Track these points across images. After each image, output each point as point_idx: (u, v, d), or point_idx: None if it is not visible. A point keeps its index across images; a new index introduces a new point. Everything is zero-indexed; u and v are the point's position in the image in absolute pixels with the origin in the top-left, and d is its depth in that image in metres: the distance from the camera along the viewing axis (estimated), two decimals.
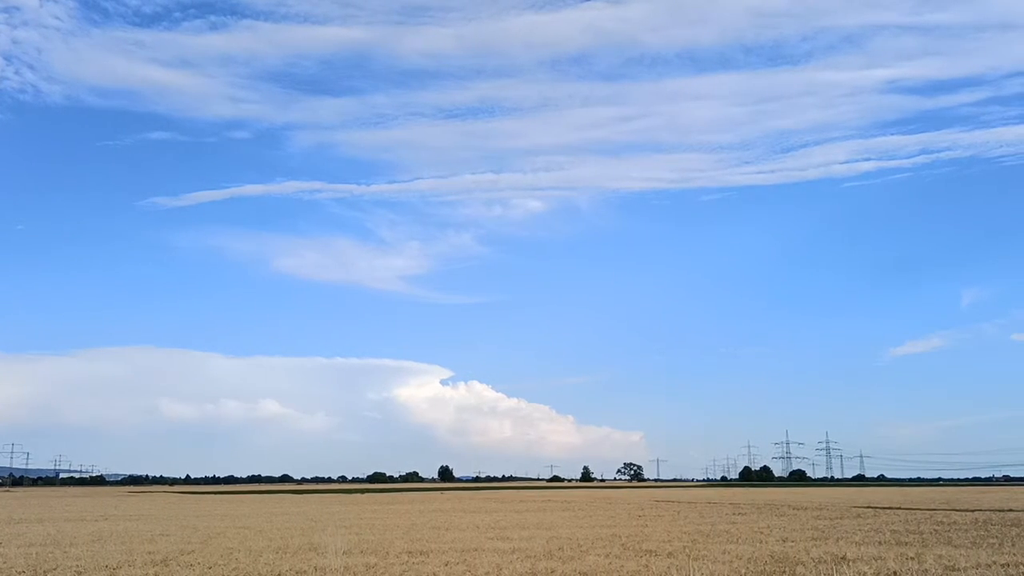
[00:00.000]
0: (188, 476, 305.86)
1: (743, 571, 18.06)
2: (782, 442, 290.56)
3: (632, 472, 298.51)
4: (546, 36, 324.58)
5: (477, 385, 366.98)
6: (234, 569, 19.20)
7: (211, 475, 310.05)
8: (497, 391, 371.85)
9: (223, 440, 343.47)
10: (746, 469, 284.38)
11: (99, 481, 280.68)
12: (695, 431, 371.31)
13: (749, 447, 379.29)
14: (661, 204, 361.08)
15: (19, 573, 18.93)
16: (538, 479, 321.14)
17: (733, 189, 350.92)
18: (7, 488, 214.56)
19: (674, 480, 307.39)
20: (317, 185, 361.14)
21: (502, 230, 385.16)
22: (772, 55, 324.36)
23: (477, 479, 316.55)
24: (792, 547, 23.51)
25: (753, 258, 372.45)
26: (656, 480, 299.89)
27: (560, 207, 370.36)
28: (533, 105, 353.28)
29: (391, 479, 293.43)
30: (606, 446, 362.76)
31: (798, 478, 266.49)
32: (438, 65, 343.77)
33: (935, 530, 30.66)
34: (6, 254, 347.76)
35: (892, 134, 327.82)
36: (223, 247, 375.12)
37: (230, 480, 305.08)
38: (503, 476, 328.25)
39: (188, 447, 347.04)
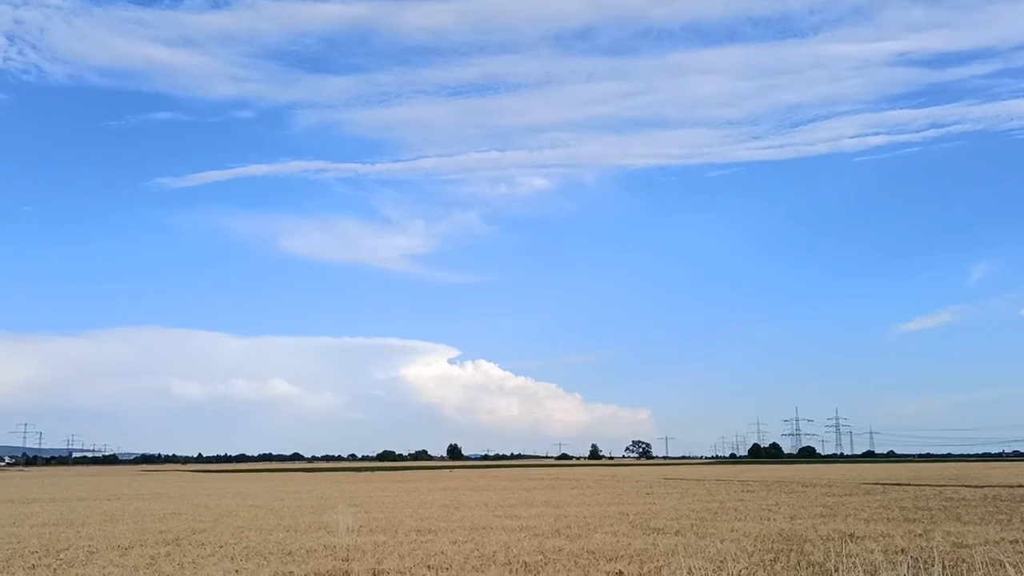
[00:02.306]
0: (200, 455, 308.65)
1: (751, 549, 18.10)
2: (791, 419, 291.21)
3: (640, 450, 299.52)
4: (549, 10, 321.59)
5: (484, 364, 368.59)
6: (245, 548, 19.35)
7: (223, 454, 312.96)
8: (504, 370, 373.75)
9: (234, 419, 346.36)
10: (755, 446, 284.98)
11: (112, 460, 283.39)
12: (703, 408, 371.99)
13: (758, 424, 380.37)
14: (667, 180, 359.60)
15: (32, 552, 19.12)
16: (546, 457, 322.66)
17: (740, 165, 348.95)
18: (20, 468, 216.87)
19: (683, 458, 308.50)
20: (321, 165, 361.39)
21: (507, 208, 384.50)
22: (780, 28, 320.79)
23: (486, 457, 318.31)
24: (800, 524, 23.57)
25: (761, 234, 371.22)
26: (664, 458, 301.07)
27: (565, 184, 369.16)
28: (537, 81, 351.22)
29: (400, 457, 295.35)
30: (614, 424, 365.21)
31: (807, 455, 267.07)
32: (440, 41, 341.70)
33: (944, 506, 30.68)
34: (14, 235, 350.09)
35: (902, 108, 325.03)
36: (229, 227, 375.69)
37: (241, 459, 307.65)
38: (511, 454, 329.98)
39: (199, 426, 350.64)
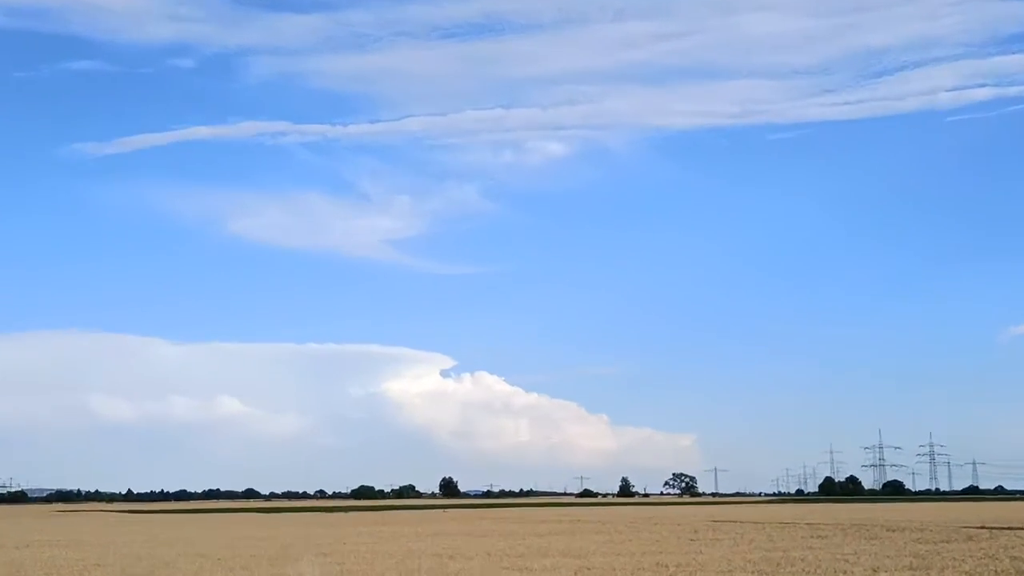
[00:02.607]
0: (130, 491, 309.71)
1: None
2: (874, 446, 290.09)
3: (683, 485, 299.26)
4: None
5: (486, 376, 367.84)
6: None
7: (158, 489, 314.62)
8: (511, 384, 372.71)
9: (172, 446, 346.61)
10: (828, 480, 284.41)
11: (19, 498, 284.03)
12: (763, 433, 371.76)
13: (832, 453, 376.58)
14: (717, 145, 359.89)
15: None
16: (564, 494, 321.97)
17: (809, 125, 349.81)
18: None
19: (736, 495, 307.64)
20: (281, 126, 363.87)
21: (515, 181, 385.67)
22: None
23: (488, 494, 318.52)
24: None
25: (834, 212, 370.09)
26: (713, 495, 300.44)
27: (588, 151, 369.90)
28: (552, 20, 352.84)
29: (381, 494, 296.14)
30: (649, 452, 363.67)
31: (894, 491, 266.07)
32: None
33: None
34: None
35: (1013, 52, 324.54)
36: (165, 206, 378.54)
37: (182, 496, 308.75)
38: (520, 490, 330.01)
39: (129, 455, 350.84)
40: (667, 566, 27.84)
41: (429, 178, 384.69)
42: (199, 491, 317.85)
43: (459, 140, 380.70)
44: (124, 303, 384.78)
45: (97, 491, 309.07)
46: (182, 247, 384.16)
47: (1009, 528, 50.67)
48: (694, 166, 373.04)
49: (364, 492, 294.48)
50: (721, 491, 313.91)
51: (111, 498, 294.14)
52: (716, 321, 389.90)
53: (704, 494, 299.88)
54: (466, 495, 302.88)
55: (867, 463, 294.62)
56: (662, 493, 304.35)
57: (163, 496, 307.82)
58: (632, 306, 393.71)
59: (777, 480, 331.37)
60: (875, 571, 26.02)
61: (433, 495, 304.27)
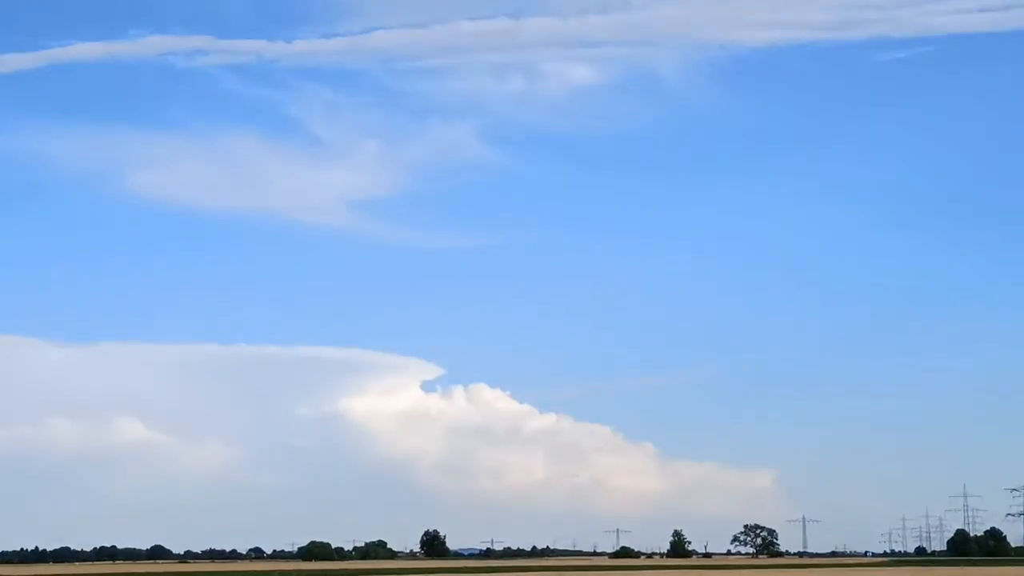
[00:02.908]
0: None
1: None
2: (1022, 487, 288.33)
3: (759, 541, 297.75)
4: None
5: (485, 391, 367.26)
6: None
7: (31, 547, 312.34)
8: (520, 401, 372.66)
9: (51, 487, 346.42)
10: (960, 535, 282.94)
11: None
12: (870, 469, 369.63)
13: (966, 498, 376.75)
14: (803, 69, 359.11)
15: None
16: (594, 553, 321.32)
17: (933, 40, 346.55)
18: None
19: (832, 555, 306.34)
20: (198, 42, 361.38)
21: (524, 119, 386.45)
22: None
23: (488, 554, 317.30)
24: None
25: (965, 162, 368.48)
26: (801, 555, 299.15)
27: (625, 77, 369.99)
28: None
29: (340, 554, 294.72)
30: (712, 495, 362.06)
31: None
32: None
33: None
34: None
35: None
36: (38, 153, 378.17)
37: (64, 556, 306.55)
38: (533, 549, 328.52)
39: None
40: None
41: (406, 115, 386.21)
42: (87, 549, 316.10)
43: (448, 62, 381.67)
44: None
45: None
46: (63, 211, 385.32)
47: None
48: (771, 97, 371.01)
49: (317, 551, 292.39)
50: (811, 549, 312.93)
51: None
52: (803, 317, 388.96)
53: (788, 553, 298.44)
54: (457, 555, 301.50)
55: (1015, 511, 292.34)
56: (729, 552, 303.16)
57: (37, 556, 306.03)
58: (688, 296, 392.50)
59: (890, 535, 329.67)
60: None
61: (412, 555, 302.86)
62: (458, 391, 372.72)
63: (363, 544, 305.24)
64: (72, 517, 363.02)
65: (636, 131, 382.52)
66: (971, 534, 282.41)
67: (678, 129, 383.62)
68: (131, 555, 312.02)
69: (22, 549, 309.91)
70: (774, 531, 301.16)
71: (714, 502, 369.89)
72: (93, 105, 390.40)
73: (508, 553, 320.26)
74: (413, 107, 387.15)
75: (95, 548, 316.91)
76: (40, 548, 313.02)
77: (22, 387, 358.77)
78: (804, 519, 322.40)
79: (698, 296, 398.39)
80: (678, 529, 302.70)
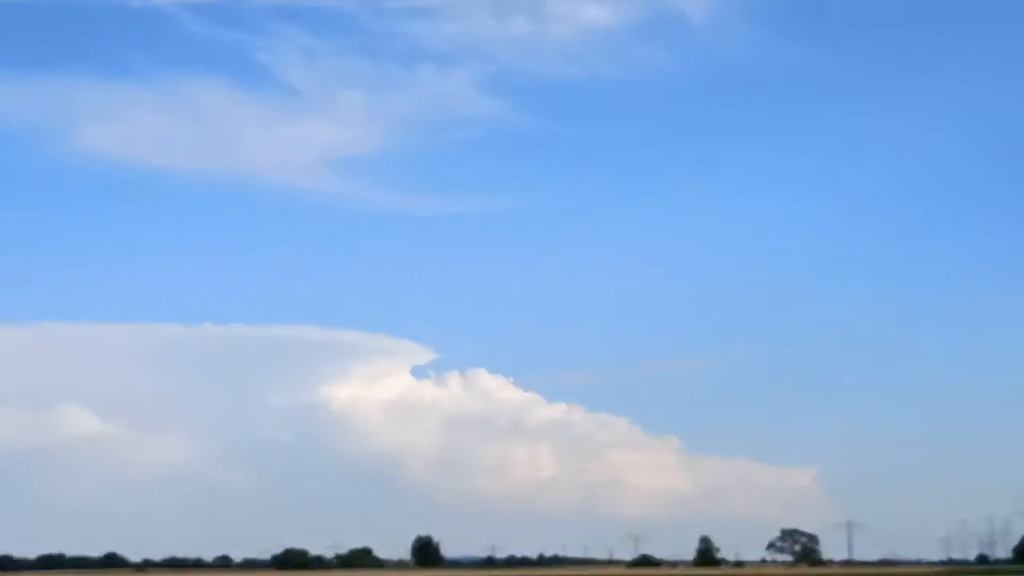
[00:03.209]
0: None
1: None
2: None
3: (797, 548, 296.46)
4: None
5: (485, 377, 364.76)
6: None
7: None
8: (525, 388, 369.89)
9: None
10: None
11: None
12: (922, 468, 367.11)
13: None
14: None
15: None
16: (610, 562, 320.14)
17: None
18: None
19: (882, 563, 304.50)
20: None
21: (529, 65, 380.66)
22: None
23: (489, 563, 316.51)
24: None
25: None
26: (846, 562, 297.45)
27: (645, 16, 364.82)
28: None
29: (319, 563, 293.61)
30: (744, 496, 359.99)
31: None
32: None
33: None
34: None
35: None
36: None
37: (2, 564, 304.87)
38: (540, 557, 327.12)
39: None
40: None
41: (393, 62, 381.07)
42: (31, 558, 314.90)
43: (442, 0, 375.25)
44: None
45: None
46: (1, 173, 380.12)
47: None
48: (818, 39, 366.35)
49: (293, 559, 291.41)
50: (858, 557, 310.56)
51: None
52: (854, 296, 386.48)
53: (831, 562, 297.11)
54: (455, 565, 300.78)
55: None
56: (764, 561, 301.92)
57: None
58: (719, 269, 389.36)
59: (948, 540, 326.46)
60: None
61: (402, 564, 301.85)
62: (454, 377, 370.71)
63: (346, 552, 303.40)
64: (11, 521, 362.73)
65: (658, 79, 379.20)
66: None
67: (706, 76, 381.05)
68: (81, 564, 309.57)
69: None
70: (815, 537, 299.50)
71: (747, 504, 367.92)
72: (33, 50, 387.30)
73: (512, 562, 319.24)
74: (402, 52, 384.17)
75: (40, 556, 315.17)
76: None
77: None
78: (850, 523, 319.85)
79: (730, 270, 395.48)
80: (706, 535, 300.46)
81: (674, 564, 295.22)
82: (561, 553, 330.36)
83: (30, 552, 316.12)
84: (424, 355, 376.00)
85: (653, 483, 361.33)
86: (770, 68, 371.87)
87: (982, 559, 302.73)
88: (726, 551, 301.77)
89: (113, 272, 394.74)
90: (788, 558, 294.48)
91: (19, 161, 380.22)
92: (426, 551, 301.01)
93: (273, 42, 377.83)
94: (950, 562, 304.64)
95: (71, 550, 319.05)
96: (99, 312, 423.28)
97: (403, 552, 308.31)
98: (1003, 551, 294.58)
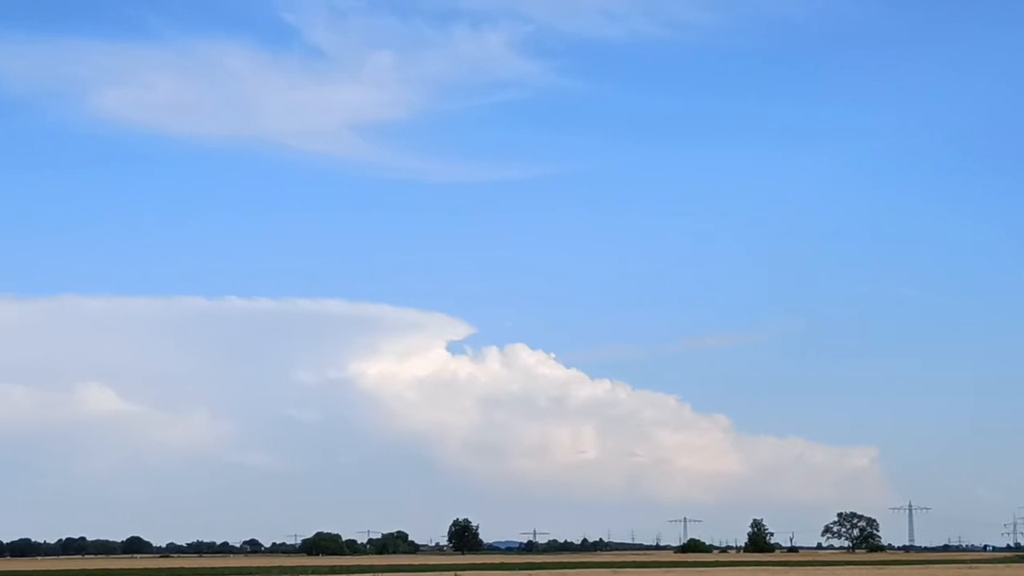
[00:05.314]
0: None
1: None
2: None
3: (855, 533, 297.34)
4: None
5: (524, 352, 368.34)
6: None
7: None
8: (567, 364, 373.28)
9: (4, 467, 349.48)
10: None
11: None
12: (987, 450, 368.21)
13: None
14: None
15: None
16: (656, 547, 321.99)
17: None
18: None
19: (944, 548, 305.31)
20: None
21: (567, 25, 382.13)
22: None
23: (529, 547, 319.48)
24: None
25: None
26: (906, 548, 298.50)
27: None
28: None
29: (352, 548, 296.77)
30: (799, 478, 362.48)
31: None
32: None
33: None
34: None
35: None
36: None
37: (25, 549, 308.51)
38: (584, 541, 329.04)
39: None
40: None
41: (424, 21, 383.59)
42: (51, 541, 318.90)
43: None
44: None
45: None
46: (14, 137, 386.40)
47: None
48: None
49: (324, 545, 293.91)
50: (919, 543, 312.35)
51: None
52: (915, 269, 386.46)
53: (890, 547, 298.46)
54: (493, 550, 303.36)
55: None
56: (820, 546, 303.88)
57: None
58: (771, 238, 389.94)
59: (1014, 526, 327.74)
60: None
61: (439, 549, 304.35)
62: (492, 353, 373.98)
63: (379, 536, 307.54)
64: (32, 504, 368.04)
65: (701, 39, 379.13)
66: None
67: (750, 36, 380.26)
68: (103, 548, 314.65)
69: None
70: (874, 521, 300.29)
71: (801, 486, 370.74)
72: (49, 11, 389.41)
73: (553, 547, 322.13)
74: (433, 11, 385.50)
75: (60, 540, 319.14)
76: None
77: None
78: (910, 506, 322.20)
79: (782, 239, 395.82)
80: (758, 518, 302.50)
81: (724, 549, 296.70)
82: (605, 538, 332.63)
83: (49, 536, 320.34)
84: (460, 329, 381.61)
85: (702, 464, 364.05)
86: (818, 22, 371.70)
87: None
88: (779, 536, 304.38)
89: (132, 243, 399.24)
90: (845, 543, 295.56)
91: (34, 127, 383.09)
92: (464, 536, 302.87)
93: (299, 2, 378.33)
94: (1016, 549, 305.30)
95: (93, 534, 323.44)
96: (118, 285, 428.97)
97: (440, 537, 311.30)
98: None
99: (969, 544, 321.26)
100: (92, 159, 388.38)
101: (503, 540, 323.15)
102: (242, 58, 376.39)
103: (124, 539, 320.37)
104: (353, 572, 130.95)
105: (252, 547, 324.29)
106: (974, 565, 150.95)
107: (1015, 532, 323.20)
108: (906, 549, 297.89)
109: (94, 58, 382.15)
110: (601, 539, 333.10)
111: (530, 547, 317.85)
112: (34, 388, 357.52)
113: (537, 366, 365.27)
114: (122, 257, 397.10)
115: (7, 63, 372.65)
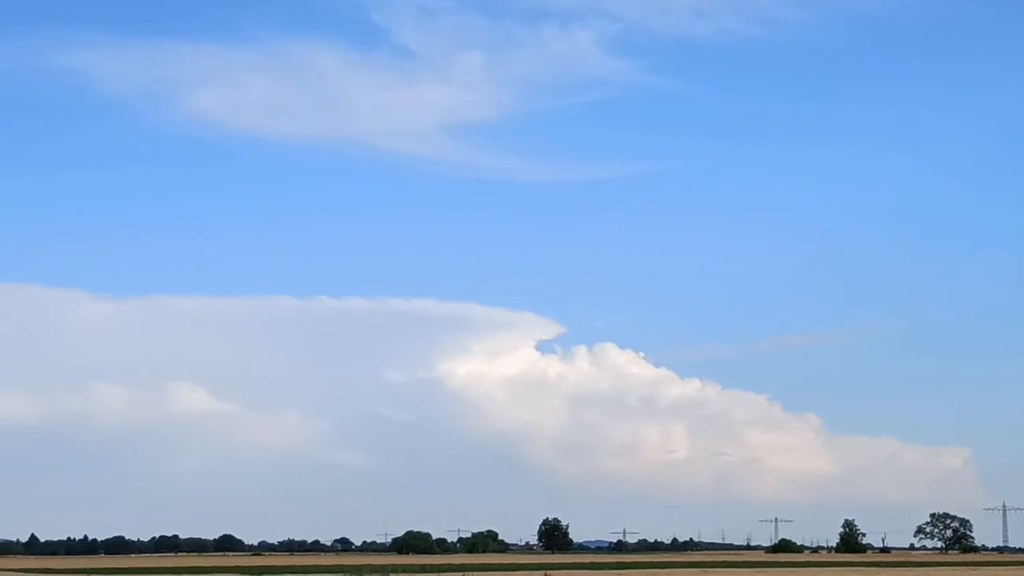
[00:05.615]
0: (34, 538, 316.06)
1: None
2: None
3: (949, 534, 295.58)
4: None
5: (614, 352, 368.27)
6: None
7: (79, 536, 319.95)
8: (656, 364, 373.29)
9: (97, 466, 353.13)
10: None
11: None
12: None
13: None
14: None
15: None
16: (747, 547, 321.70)
17: None
18: None
19: None
20: None
21: (658, 23, 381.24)
22: None
23: (619, 547, 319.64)
24: None
25: None
26: (1001, 549, 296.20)
27: None
28: None
29: (441, 547, 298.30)
30: (890, 478, 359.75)
31: None
32: None
33: None
34: None
35: None
36: (81, 71, 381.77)
37: (118, 546, 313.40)
38: (674, 541, 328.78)
39: (30, 481, 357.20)
40: None
41: (513, 20, 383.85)
42: (144, 539, 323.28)
43: None
44: (17, 236, 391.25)
45: None
46: (108, 139, 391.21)
47: None
48: None
49: (414, 544, 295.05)
50: (1013, 544, 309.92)
51: (5, 549, 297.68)
52: (1014, 263, 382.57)
53: (984, 548, 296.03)
54: (583, 549, 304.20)
55: None
56: (912, 547, 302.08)
57: (87, 546, 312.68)
58: (863, 235, 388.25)
59: None
60: None
61: (529, 548, 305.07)
62: (581, 352, 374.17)
63: (469, 535, 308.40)
64: (126, 502, 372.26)
65: (789, 35, 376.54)
66: None
67: (846, 34, 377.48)
68: (196, 546, 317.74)
69: (69, 539, 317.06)
70: (967, 521, 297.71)
71: (893, 486, 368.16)
72: (143, 14, 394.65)
73: (643, 546, 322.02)
74: (522, 10, 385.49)
75: (153, 538, 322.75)
76: (90, 538, 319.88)
77: (62, 348, 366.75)
78: (1005, 507, 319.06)
79: (873, 235, 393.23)
80: (849, 519, 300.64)
81: (816, 550, 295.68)
82: (696, 538, 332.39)
83: (143, 534, 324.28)
84: (549, 329, 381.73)
85: (793, 464, 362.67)
86: (909, 21, 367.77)
87: None
88: (871, 536, 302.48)
89: (223, 243, 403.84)
90: (938, 544, 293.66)
91: (127, 128, 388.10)
92: (554, 535, 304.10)
93: (388, 2, 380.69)
94: None
95: (185, 532, 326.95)
96: (210, 285, 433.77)
97: (530, 536, 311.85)
98: None
99: None
100: (185, 160, 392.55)
101: (593, 539, 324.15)
102: (332, 59, 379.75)
103: (216, 537, 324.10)
104: (444, 571, 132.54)
105: (343, 546, 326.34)
106: None
107: None
108: (1000, 550, 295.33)
109: (188, 60, 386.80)
110: (691, 539, 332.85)
111: (620, 547, 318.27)
112: (128, 387, 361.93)
113: (626, 365, 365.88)
114: (214, 258, 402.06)
115: (102, 65, 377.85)
